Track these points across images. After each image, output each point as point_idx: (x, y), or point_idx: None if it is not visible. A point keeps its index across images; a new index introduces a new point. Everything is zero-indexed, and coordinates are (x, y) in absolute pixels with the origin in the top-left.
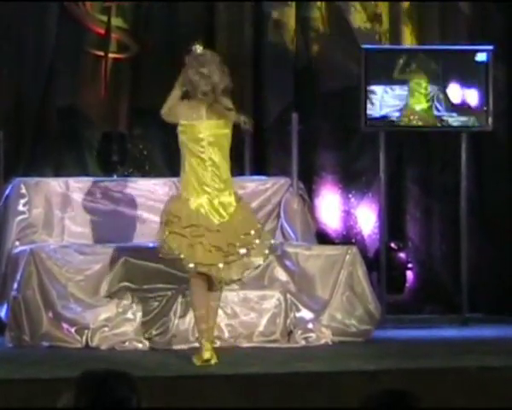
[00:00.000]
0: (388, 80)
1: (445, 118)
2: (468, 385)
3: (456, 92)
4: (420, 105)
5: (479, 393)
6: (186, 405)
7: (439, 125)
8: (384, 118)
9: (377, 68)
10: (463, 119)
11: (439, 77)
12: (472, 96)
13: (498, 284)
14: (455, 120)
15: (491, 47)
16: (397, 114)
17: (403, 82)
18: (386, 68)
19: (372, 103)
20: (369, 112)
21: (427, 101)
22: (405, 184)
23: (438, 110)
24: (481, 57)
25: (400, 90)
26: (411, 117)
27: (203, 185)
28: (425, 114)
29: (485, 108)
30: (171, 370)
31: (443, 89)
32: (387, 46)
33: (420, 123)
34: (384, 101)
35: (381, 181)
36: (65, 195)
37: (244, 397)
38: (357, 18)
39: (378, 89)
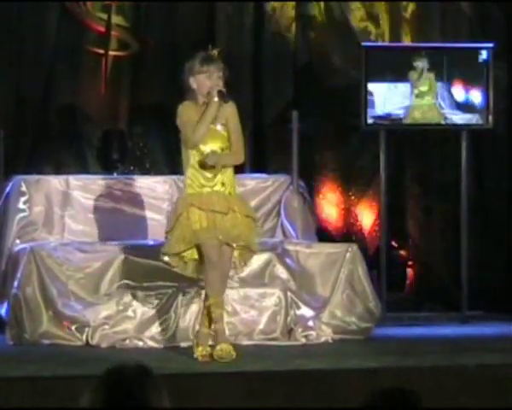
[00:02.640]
0: (391, 78)
1: (448, 116)
2: (467, 383)
3: (459, 90)
4: (426, 103)
5: (479, 391)
6: (186, 403)
7: (443, 122)
8: (387, 116)
9: (378, 66)
10: (468, 117)
11: (443, 75)
12: (475, 95)
13: (498, 282)
14: (459, 117)
15: (491, 45)
16: (402, 111)
17: (407, 80)
18: (388, 66)
19: (373, 101)
20: (370, 110)
21: (433, 98)
22: (405, 182)
23: (442, 108)
24: (482, 55)
25: (404, 88)
26: (418, 115)
27: None
28: (431, 111)
29: (485, 106)
30: (172, 368)
31: (447, 86)
32: (388, 44)
33: (426, 121)
34: (387, 98)
35: (382, 179)
36: (65, 193)
37: (244, 395)
38: (357, 16)
39: (380, 86)
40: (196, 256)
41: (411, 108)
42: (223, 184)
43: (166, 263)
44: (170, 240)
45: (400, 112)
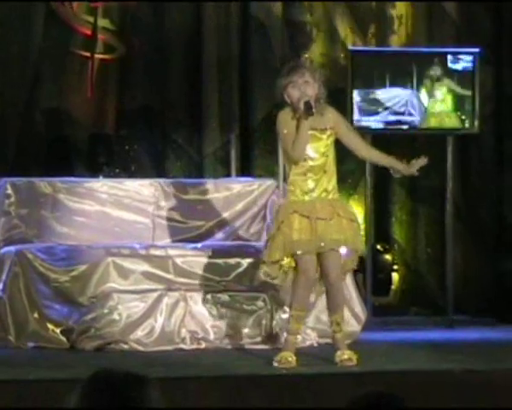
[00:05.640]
0: (377, 83)
1: (432, 120)
2: (452, 388)
3: (443, 95)
4: (444, 109)
5: (463, 395)
6: (172, 406)
7: (425, 126)
8: (374, 120)
9: (365, 71)
10: (452, 121)
11: (427, 79)
12: (460, 99)
13: (484, 287)
14: (441, 122)
15: (477, 49)
16: (389, 117)
17: (395, 85)
18: (374, 71)
19: (359, 106)
20: (357, 115)
21: (450, 104)
22: (391, 187)
23: (428, 112)
24: (468, 60)
25: (386, 94)
26: (434, 121)
27: None
28: (448, 118)
29: (471, 111)
30: (157, 371)
31: (431, 91)
32: (374, 48)
33: (443, 127)
34: (373, 103)
35: (367, 183)
36: (51, 196)
37: (230, 399)
38: (344, 22)
39: (367, 91)
40: (294, 264)
41: (427, 115)
42: (325, 190)
43: (266, 275)
44: (269, 247)
45: (389, 117)
